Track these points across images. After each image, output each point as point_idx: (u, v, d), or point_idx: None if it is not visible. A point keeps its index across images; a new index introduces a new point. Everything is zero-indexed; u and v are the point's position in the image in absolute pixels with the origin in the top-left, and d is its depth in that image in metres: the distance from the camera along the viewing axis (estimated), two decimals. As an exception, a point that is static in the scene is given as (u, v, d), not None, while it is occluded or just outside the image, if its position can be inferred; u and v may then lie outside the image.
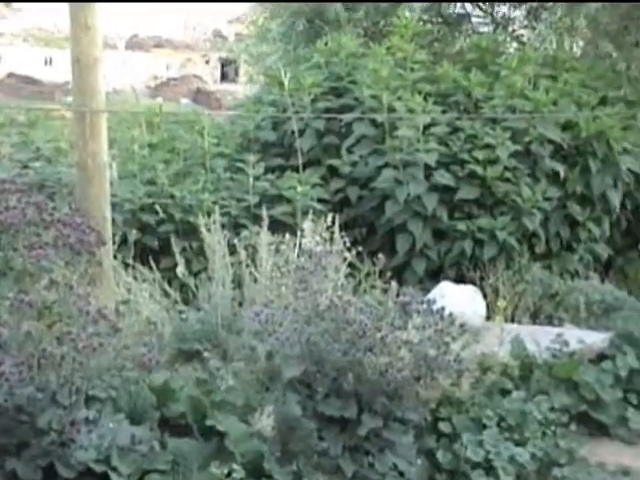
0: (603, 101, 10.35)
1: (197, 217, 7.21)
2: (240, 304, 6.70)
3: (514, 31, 13.15)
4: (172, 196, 8.67)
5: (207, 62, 56.96)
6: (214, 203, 8.36)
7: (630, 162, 9.74)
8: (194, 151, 9.51)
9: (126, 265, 7.05)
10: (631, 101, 10.59)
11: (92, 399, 4.88)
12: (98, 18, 6.47)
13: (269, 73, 10.72)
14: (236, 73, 43.70)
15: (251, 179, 8.88)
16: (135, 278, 6.92)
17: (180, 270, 6.89)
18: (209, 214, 7.21)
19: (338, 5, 12.12)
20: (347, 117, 9.46)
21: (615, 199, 9.62)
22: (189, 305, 6.90)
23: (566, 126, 9.63)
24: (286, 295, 5.92)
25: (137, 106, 12.60)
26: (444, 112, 9.46)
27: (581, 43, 12.53)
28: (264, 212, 7.11)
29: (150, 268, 7.07)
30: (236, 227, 8.29)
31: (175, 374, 5.63)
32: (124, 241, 7.59)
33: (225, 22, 53.35)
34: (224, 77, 55.31)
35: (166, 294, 6.86)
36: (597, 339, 7.13)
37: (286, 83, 9.57)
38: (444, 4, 12.75)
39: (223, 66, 54.90)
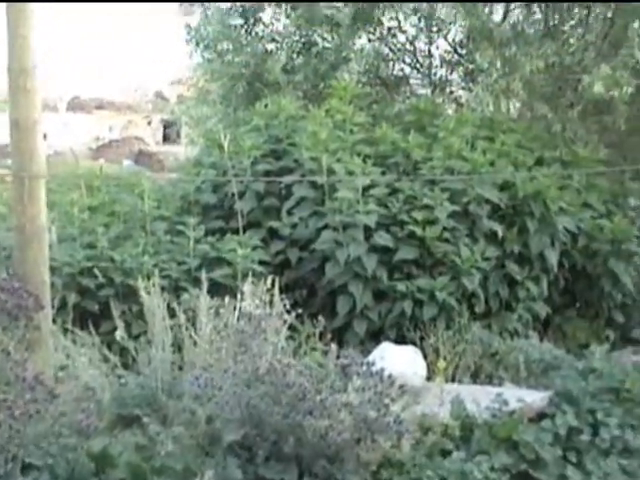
0: (539, 162, 10.52)
1: (137, 280, 7.17)
2: (180, 368, 6.66)
3: (452, 93, 13.35)
4: (112, 259, 8.64)
5: (149, 123, 56.93)
6: (154, 266, 8.35)
7: (566, 222, 9.89)
8: (134, 214, 9.50)
9: (65, 330, 7.00)
10: (566, 161, 10.79)
11: (29, 467, 4.82)
12: (37, 80, 6.48)
13: (209, 136, 10.75)
14: (178, 135, 43.68)
15: (191, 242, 8.89)
16: (74, 342, 6.87)
17: (119, 334, 6.84)
18: (149, 277, 7.19)
19: (278, 68, 12.23)
20: (287, 180, 9.53)
21: (553, 258, 9.75)
22: (129, 369, 6.85)
23: (503, 186, 9.76)
24: (226, 359, 5.92)
25: (77, 168, 12.59)
26: (383, 173, 9.55)
27: (517, 105, 12.73)
28: (204, 275, 7.12)
29: (89, 332, 7.02)
30: (176, 290, 8.26)
31: (114, 440, 5.57)
32: (63, 305, 7.55)
33: (167, 83, 53.41)
34: (166, 138, 55.26)
35: (105, 359, 6.81)
36: (537, 398, 7.17)
37: (226, 146, 9.61)
38: (382, 67, 12.92)
39: (165, 127, 54.87)
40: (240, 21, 13.19)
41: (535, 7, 12.71)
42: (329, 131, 9.68)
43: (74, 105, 58.66)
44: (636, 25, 11.71)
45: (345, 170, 9.22)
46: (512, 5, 12.83)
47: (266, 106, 10.50)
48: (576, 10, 12.42)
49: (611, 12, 11.93)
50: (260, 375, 5.49)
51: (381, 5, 12.49)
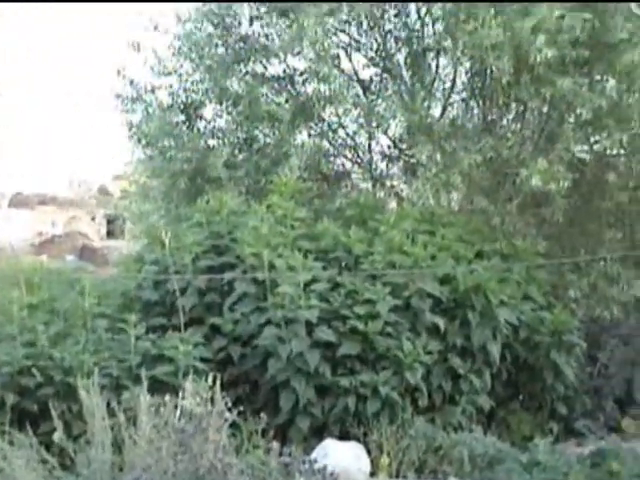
0: (480, 255, 10.62)
1: (77, 379, 7.09)
2: (120, 469, 6.56)
3: (392, 187, 13.48)
4: (52, 358, 8.54)
5: (93, 219, 56.74)
6: (95, 364, 8.26)
7: (507, 314, 9.95)
8: (75, 311, 9.42)
9: (2, 432, 6.87)
10: (506, 254, 10.91)
11: None
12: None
13: (150, 232, 10.74)
14: (122, 230, 43.57)
15: (133, 339, 8.82)
16: (11, 444, 6.74)
17: (58, 435, 6.74)
18: (89, 375, 7.11)
19: (219, 164, 12.29)
20: (228, 276, 9.53)
21: (495, 351, 9.79)
22: (67, 471, 6.73)
23: (445, 280, 9.83)
24: (166, 458, 5.84)
25: (17, 264, 12.48)
26: (325, 268, 9.59)
27: (457, 198, 12.88)
28: (144, 373, 7.05)
29: (27, 433, 6.90)
30: (117, 388, 8.17)
31: None
32: (1, 405, 7.42)
33: (110, 178, 53.44)
34: (110, 233, 55.06)
35: (43, 460, 6.68)
36: (481, 493, 7.15)
37: (167, 242, 9.60)
38: (323, 162, 13.05)
39: (109, 222, 54.72)
40: (182, 117, 13.27)
41: (473, 102, 12.95)
42: (270, 226, 9.72)
43: (17, 201, 58.41)
44: (572, 119, 11.99)
45: (286, 265, 9.24)
46: (451, 99, 13.06)
47: (208, 202, 10.53)
48: (513, 105, 12.64)
49: (547, 106, 12.16)
50: (201, 475, 5.43)
51: (322, 102, 12.64)
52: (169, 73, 13.31)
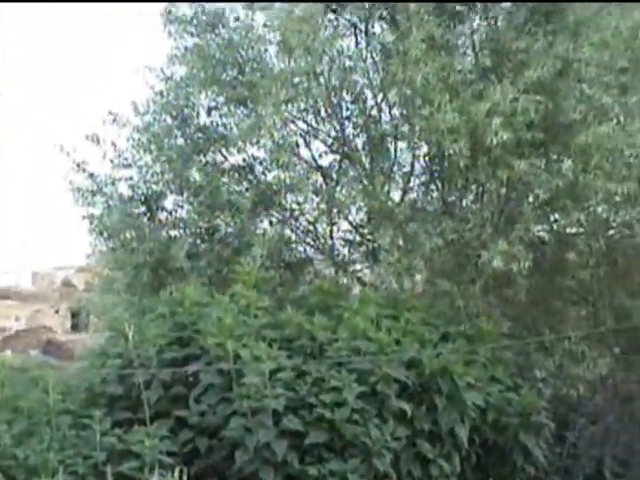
0: (444, 337, 10.64)
1: (41, 478, 6.98)
2: None
3: (355, 272, 13.51)
4: (15, 457, 8.40)
5: (57, 312, 56.17)
6: (60, 462, 8.16)
7: (474, 396, 9.94)
8: (39, 408, 9.28)
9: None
10: (471, 336, 10.93)
11: None
12: None
13: (114, 325, 10.66)
14: (87, 323, 43.22)
15: (98, 435, 8.70)
16: None
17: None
18: (54, 474, 7.00)
19: (181, 255, 12.30)
20: (192, 368, 9.47)
21: (463, 434, 9.75)
22: None
23: (410, 364, 9.82)
24: None
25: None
26: (289, 357, 9.55)
27: (420, 281, 12.92)
28: (110, 469, 6.96)
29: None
30: (82, 486, 8.04)
31: None
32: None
33: (74, 271, 53.10)
34: (75, 327, 54.53)
35: None
36: None
37: (130, 335, 9.54)
38: (285, 250, 13.07)
39: (73, 316, 54.23)
40: (143, 209, 13.29)
41: (432, 185, 13.08)
42: (234, 316, 9.69)
43: (-21, 293, 57.85)
44: (530, 200, 12.13)
45: (251, 355, 9.20)
46: (410, 183, 13.17)
47: (171, 293, 10.51)
48: (472, 187, 12.78)
49: (505, 188, 12.30)
50: None
51: (283, 190, 12.74)
52: (129, 165, 13.35)
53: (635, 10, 11.63)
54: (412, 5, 11.70)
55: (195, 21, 13.32)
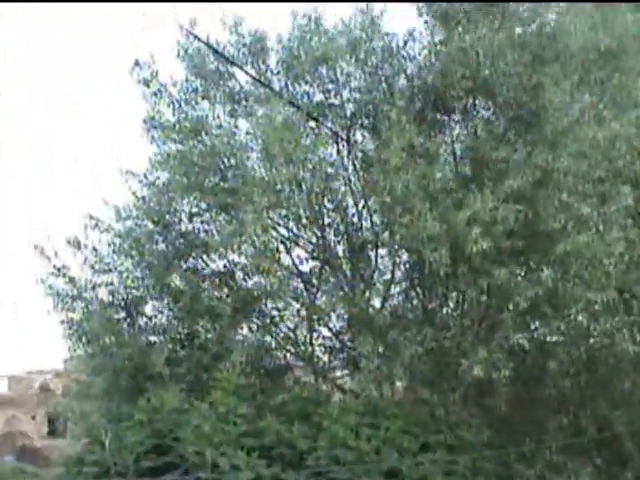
0: (424, 447, 10.55)
1: None
2: None
3: (335, 379, 13.43)
4: None
5: (33, 418, 55.51)
6: None
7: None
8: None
9: None
10: (451, 446, 10.83)
11: None
12: None
13: (91, 432, 10.54)
14: (64, 428, 42.66)
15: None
16: None
17: None
18: None
19: (161, 361, 12.22)
20: (170, 478, 9.33)
21: None
22: None
23: (390, 474, 9.77)
24: None
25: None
26: (269, 466, 9.46)
27: (400, 389, 12.86)
28: None
29: None
30: None
31: None
32: None
33: (52, 375, 52.60)
34: (52, 432, 53.80)
35: None
36: None
37: (107, 443, 9.42)
38: (265, 357, 13.01)
39: (50, 421, 53.56)
40: (122, 314, 13.23)
41: (413, 293, 13.11)
42: (213, 424, 9.61)
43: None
44: (510, 308, 12.15)
45: (230, 464, 9.10)
46: (391, 291, 13.19)
47: (149, 400, 10.41)
48: (452, 295, 12.82)
49: (485, 296, 12.33)
50: None
51: (262, 295, 12.73)
52: (109, 270, 13.32)
53: (612, 121, 11.80)
54: (393, 114, 11.85)
55: (178, 127, 13.44)
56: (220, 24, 13.28)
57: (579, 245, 11.19)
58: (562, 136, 11.82)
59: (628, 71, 12.36)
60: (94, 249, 13.30)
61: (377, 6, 12.78)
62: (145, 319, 13.38)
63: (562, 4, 13.00)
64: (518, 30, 12.62)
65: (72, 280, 13.28)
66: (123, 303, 13.26)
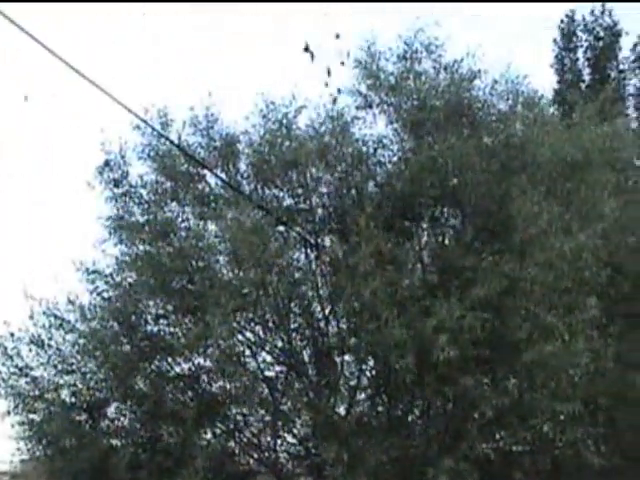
0: None
1: None
2: None
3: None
4: None
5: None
6: None
7: None
8: None
9: None
10: None
11: None
12: None
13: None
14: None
15: None
16: None
17: None
18: None
19: (122, 465, 12.06)
20: None
21: None
22: None
23: None
24: None
25: None
26: None
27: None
28: None
29: None
30: None
31: None
32: None
33: (8, 478, 51.50)
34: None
35: None
36: None
37: None
38: (228, 463, 12.83)
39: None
40: (84, 416, 13.04)
41: (378, 400, 13.01)
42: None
43: None
44: (476, 417, 12.07)
45: None
46: (356, 397, 13.10)
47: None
48: (418, 403, 12.74)
49: (451, 405, 12.26)
50: None
51: (227, 400, 12.60)
52: (73, 371, 13.16)
53: (579, 232, 11.91)
54: (362, 220, 11.90)
55: (147, 228, 13.41)
56: (191, 126, 13.39)
57: (545, 355, 11.20)
58: (529, 246, 11.91)
59: (594, 183, 12.55)
60: (58, 349, 13.17)
61: (348, 112, 12.93)
62: (107, 422, 13.21)
63: (529, 115, 13.18)
64: (486, 140, 12.78)
65: (34, 380, 13.12)
66: (85, 405, 13.10)
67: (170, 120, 13.25)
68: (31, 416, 13.10)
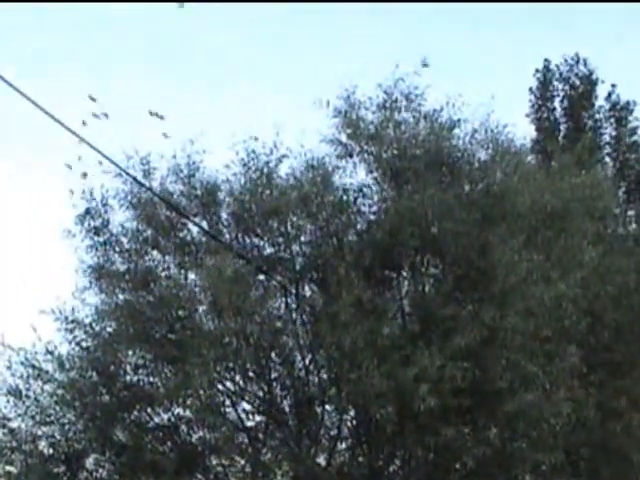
0: None
1: None
2: None
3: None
4: None
5: None
6: None
7: None
8: None
9: None
10: None
11: None
12: None
13: None
14: None
15: None
16: None
17: None
18: None
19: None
20: None
21: None
22: None
23: None
24: None
25: None
26: None
27: None
28: None
29: None
30: None
31: None
32: None
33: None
34: None
35: None
36: None
37: None
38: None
39: None
40: (62, 468, 12.90)
41: (359, 450, 12.94)
42: None
43: None
44: (457, 467, 12.03)
45: None
46: (337, 447, 13.02)
47: None
48: (399, 453, 12.68)
49: (432, 455, 12.21)
50: None
51: (207, 450, 12.51)
52: (51, 422, 13.02)
53: (558, 281, 11.95)
54: (342, 269, 11.91)
55: (127, 277, 13.34)
56: (173, 174, 13.36)
57: (526, 404, 11.19)
58: (509, 295, 11.92)
59: (573, 232, 12.61)
60: (36, 399, 13.03)
61: (329, 162, 12.96)
62: (86, 473, 13.07)
63: (509, 164, 13.23)
64: (466, 189, 12.82)
65: (12, 431, 12.98)
66: (64, 456, 12.95)
67: (152, 168, 13.23)
68: (8, 468, 12.96)
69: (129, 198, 13.44)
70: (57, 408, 12.99)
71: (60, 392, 12.95)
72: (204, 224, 13.41)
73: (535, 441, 11.22)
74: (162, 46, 26.39)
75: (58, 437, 12.99)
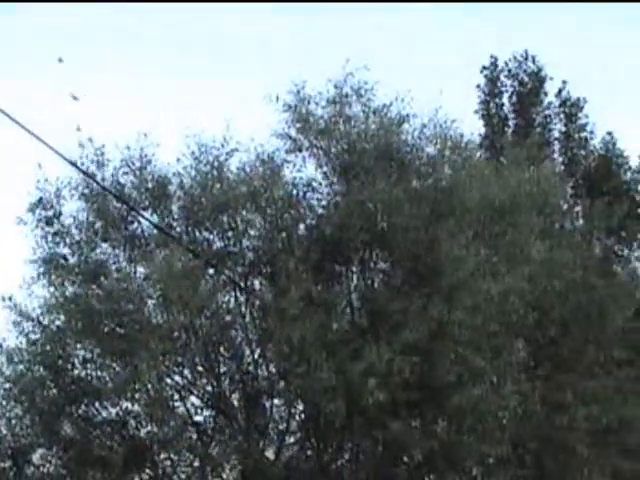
0: None
1: None
2: None
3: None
4: None
5: None
6: None
7: None
8: None
9: None
10: None
11: None
12: None
13: None
14: None
15: None
16: None
17: None
18: None
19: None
20: None
21: None
22: None
23: None
24: None
25: None
26: None
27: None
28: None
29: None
30: None
31: None
32: None
33: None
34: None
35: None
36: None
37: None
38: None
39: None
40: (8, 463, 12.78)
41: (308, 444, 12.96)
42: None
43: None
44: (405, 460, 12.09)
45: None
46: (286, 441, 13.03)
47: None
48: (347, 446, 12.72)
49: (380, 448, 12.24)
50: None
51: (155, 445, 12.45)
52: (-3, 419, 12.91)
53: (506, 275, 12.04)
54: (291, 263, 11.91)
55: (77, 269, 13.22)
56: (125, 166, 13.26)
57: (473, 398, 11.26)
58: (457, 289, 11.98)
59: (521, 227, 12.70)
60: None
61: (278, 156, 12.97)
62: (33, 468, 12.95)
63: (458, 160, 13.30)
64: (415, 184, 12.86)
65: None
66: (10, 451, 12.82)
67: (106, 160, 13.13)
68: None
69: (81, 189, 13.34)
70: (3, 402, 12.88)
71: (7, 386, 12.83)
72: (154, 217, 13.34)
73: (482, 434, 11.30)
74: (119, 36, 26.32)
75: (4, 432, 12.86)
